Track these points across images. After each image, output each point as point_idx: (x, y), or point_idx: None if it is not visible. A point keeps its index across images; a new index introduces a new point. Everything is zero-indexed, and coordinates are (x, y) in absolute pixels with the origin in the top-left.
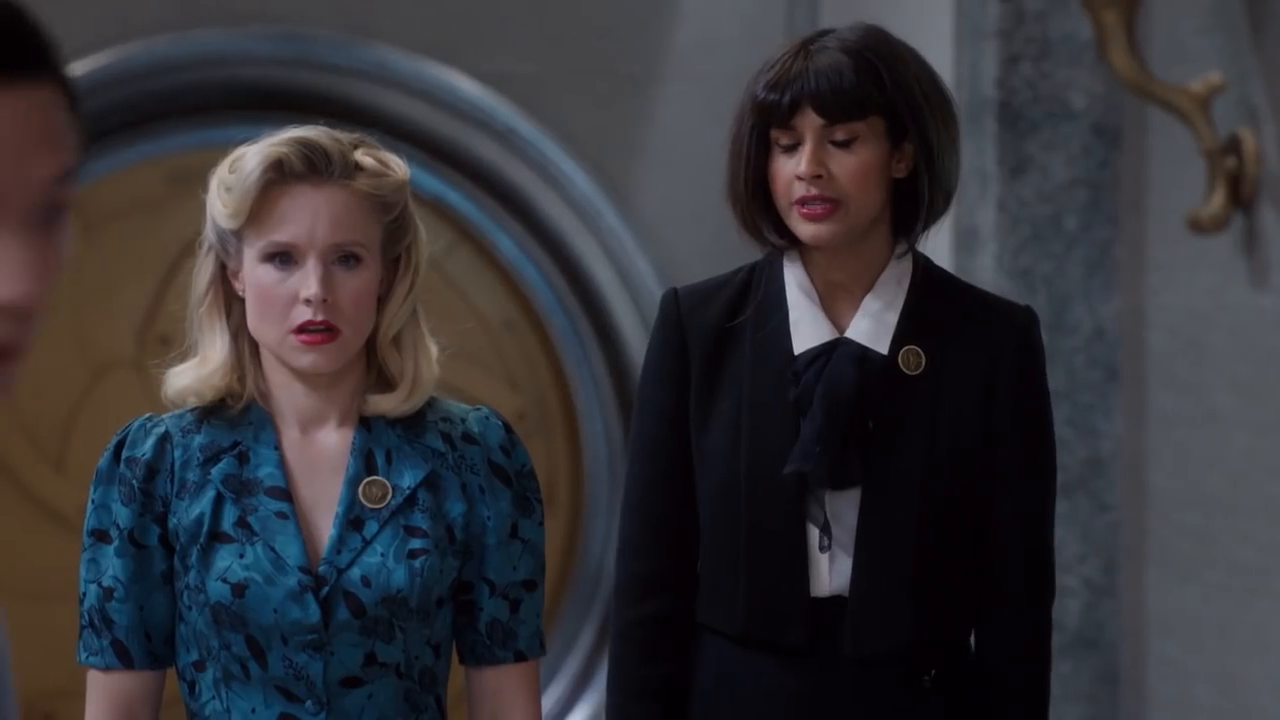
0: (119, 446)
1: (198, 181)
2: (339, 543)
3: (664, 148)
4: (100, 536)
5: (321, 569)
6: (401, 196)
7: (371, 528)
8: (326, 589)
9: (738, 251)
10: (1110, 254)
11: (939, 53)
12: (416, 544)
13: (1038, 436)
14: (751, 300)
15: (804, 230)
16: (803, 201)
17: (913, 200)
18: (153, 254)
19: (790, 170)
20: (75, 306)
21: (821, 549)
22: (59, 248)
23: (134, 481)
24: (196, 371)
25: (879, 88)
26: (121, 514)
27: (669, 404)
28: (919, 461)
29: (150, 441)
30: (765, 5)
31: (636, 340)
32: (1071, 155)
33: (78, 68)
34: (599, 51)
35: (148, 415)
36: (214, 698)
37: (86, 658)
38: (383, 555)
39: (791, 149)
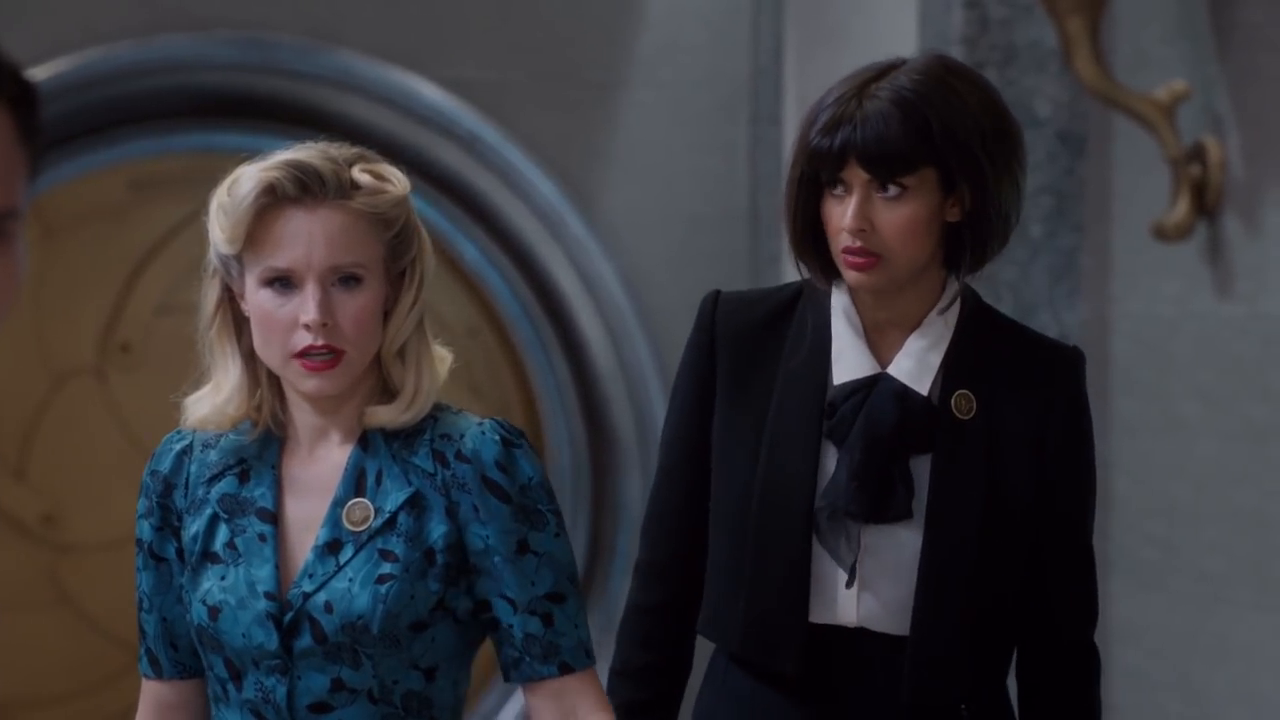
0: (150, 459)
1: (161, 188)
2: (311, 567)
3: (628, 154)
4: (138, 546)
5: (290, 594)
6: (402, 211)
7: (347, 552)
8: (291, 614)
9: (702, 258)
10: (1075, 262)
11: None
12: (387, 568)
13: (1084, 480)
14: (794, 321)
15: (849, 277)
16: (847, 251)
17: (967, 239)
18: (115, 261)
19: (838, 218)
20: (36, 314)
21: (847, 585)
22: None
23: (154, 496)
24: (212, 400)
25: (927, 142)
26: (144, 527)
27: (693, 404)
28: (978, 504)
29: (171, 456)
30: (730, 12)
31: (601, 347)
32: (1036, 162)
33: (40, 73)
34: (563, 58)
35: (178, 428)
36: (214, 714)
37: (138, 663)
38: (350, 580)
39: (841, 194)
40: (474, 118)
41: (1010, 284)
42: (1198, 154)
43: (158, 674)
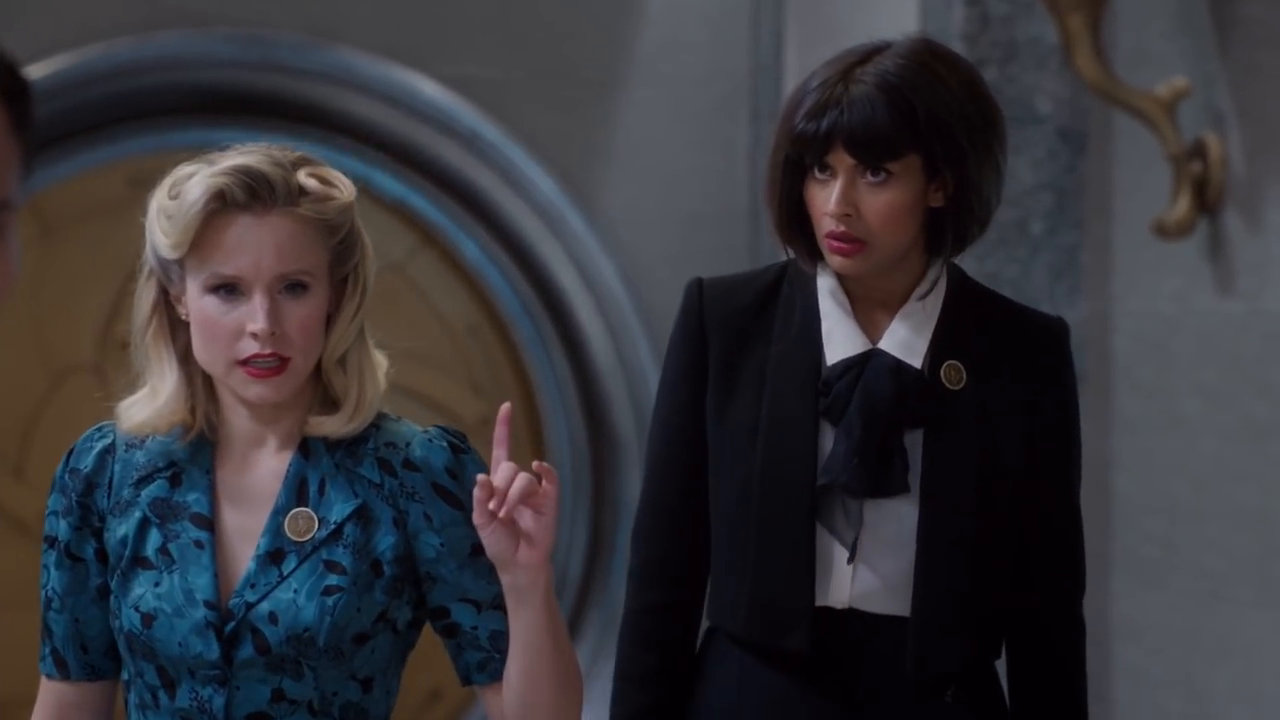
0: (68, 456)
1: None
2: (254, 576)
3: (628, 152)
4: (50, 543)
5: (231, 603)
6: (347, 218)
7: (291, 562)
8: (232, 624)
9: (702, 255)
10: (1076, 259)
11: None
12: (333, 580)
13: (1073, 449)
14: (780, 302)
15: (833, 261)
16: (832, 236)
17: (950, 224)
18: (113, 258)
19: (823, 202)
20: (35, 311)
21: (849, 561)
22: None
23: (73, 494)
24: (151, 404)
25: (913, 129)
26: (60, 526)
27: (685, 393)
28: (973, 473)
29: (93, 454)
30: (730, 9)
31: (601, 344)
32: (1037, 159)
33: (37, 70)
34: (563, 55)
35: (99, 425)
36: None
37: (40, 661)
38: (295, 591)
39: (826, 178)
40: (474, 115)
41: (1011, 281)
42: (1198, 151)
43: (64, 675)
